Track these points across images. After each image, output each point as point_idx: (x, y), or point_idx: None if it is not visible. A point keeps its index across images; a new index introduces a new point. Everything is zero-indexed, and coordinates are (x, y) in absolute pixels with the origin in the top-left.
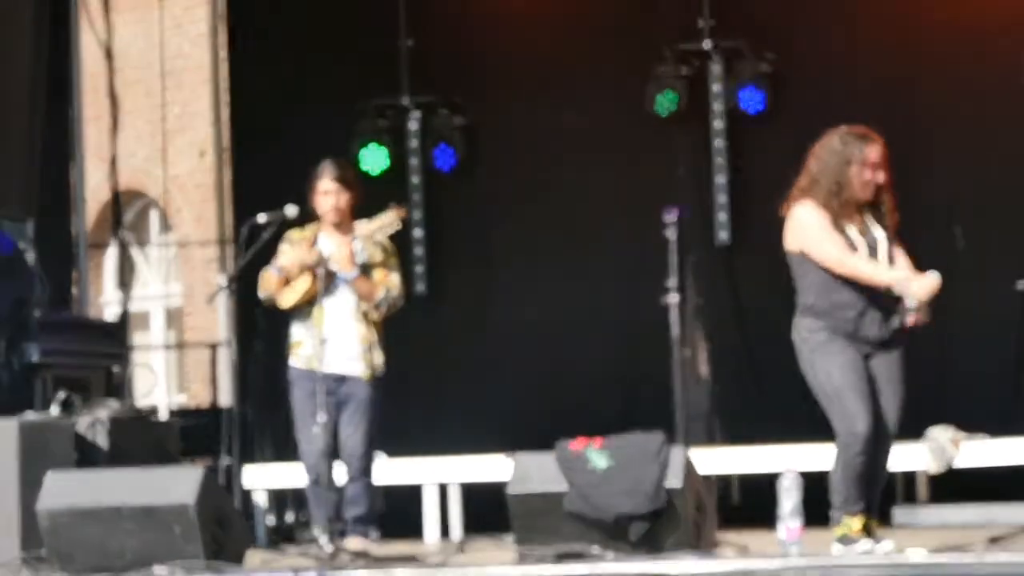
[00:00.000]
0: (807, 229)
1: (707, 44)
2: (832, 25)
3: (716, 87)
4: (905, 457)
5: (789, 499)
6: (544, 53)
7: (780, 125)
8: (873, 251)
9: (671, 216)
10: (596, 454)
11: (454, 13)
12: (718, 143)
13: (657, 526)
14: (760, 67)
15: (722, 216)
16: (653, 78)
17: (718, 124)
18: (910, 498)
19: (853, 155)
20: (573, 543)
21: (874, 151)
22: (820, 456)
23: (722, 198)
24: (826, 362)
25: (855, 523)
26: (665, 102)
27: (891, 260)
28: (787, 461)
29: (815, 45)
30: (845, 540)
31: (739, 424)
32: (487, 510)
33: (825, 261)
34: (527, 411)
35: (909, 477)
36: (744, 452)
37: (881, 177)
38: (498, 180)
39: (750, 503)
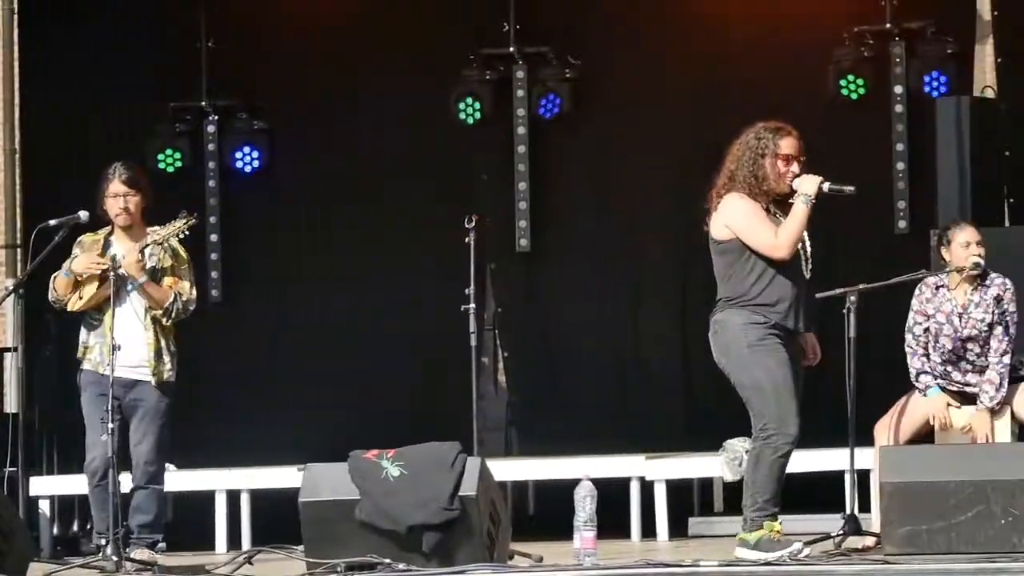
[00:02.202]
0: (742, 217)
1: (511, 49)
2: (638, 30)
3: (520, 93)
4: (701, 467)
5: (584, 509)
6: (347, 57)
7: (583, 131)
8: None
9: (470, 223)
10: (389, 463)
11: (254, 15)
12: (520, 149)
13: (450, 536)
14: (564, 72)
15: (523, 223)
16: (457, 84)
17: (521, 130)
18: (706, 508)
19: (767, 148)
20: (365, 553)
21: (788, 143)
22: (615, 466)
23: (523, 204)
24: (766, 358)
25: (776, 524)
26: (468, 108)
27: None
28: (582, 471)
29: (620, 50)
30: (766, 543)
31: (536, 435)
32: (279, 520)
33: (761, 245)
34: (323, 421)
35: (705, 485)
36: (540, 463)
37: (796, 169)
38: (297, 185)
39: (545, 513)
